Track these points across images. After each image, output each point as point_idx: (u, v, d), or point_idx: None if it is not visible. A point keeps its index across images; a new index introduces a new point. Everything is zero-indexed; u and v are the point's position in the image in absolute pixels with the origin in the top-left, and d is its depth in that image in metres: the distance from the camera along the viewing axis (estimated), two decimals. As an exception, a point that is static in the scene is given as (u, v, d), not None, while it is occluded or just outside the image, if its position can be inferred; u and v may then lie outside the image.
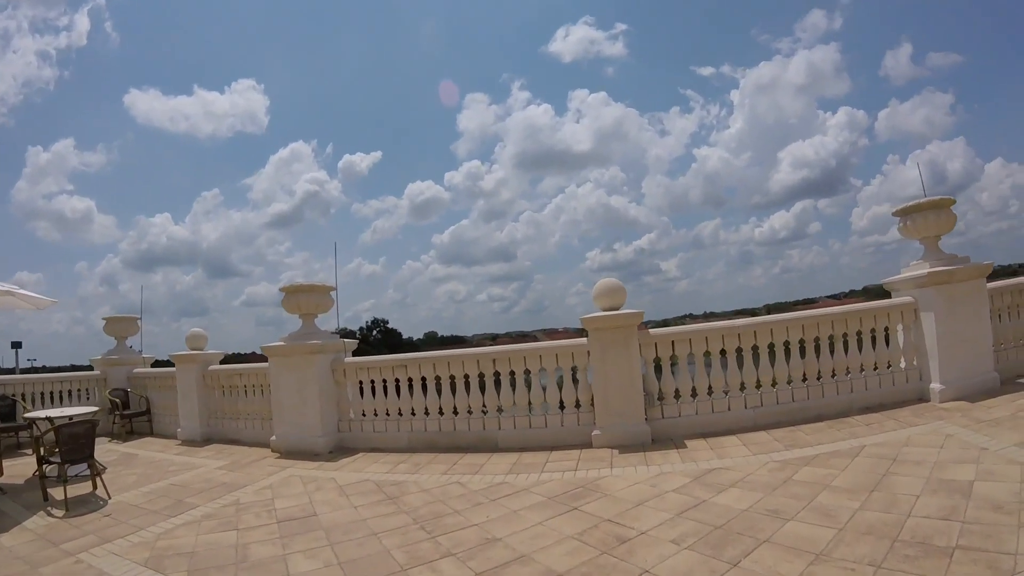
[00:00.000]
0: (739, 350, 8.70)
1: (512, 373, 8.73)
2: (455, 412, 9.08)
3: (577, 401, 8.58)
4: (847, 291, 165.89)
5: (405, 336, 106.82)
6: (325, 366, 9.92)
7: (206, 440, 12.10)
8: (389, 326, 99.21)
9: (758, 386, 8.65)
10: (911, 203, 9.08)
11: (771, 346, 8.75)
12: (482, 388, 8.87)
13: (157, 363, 15.10)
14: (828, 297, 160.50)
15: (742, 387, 8.66)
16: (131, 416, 13.86)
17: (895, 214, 9.40)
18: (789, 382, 8.60)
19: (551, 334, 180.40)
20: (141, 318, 15.16)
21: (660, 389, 8.51)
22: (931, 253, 9.23)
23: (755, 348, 8.76)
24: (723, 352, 8.64)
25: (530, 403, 8.69)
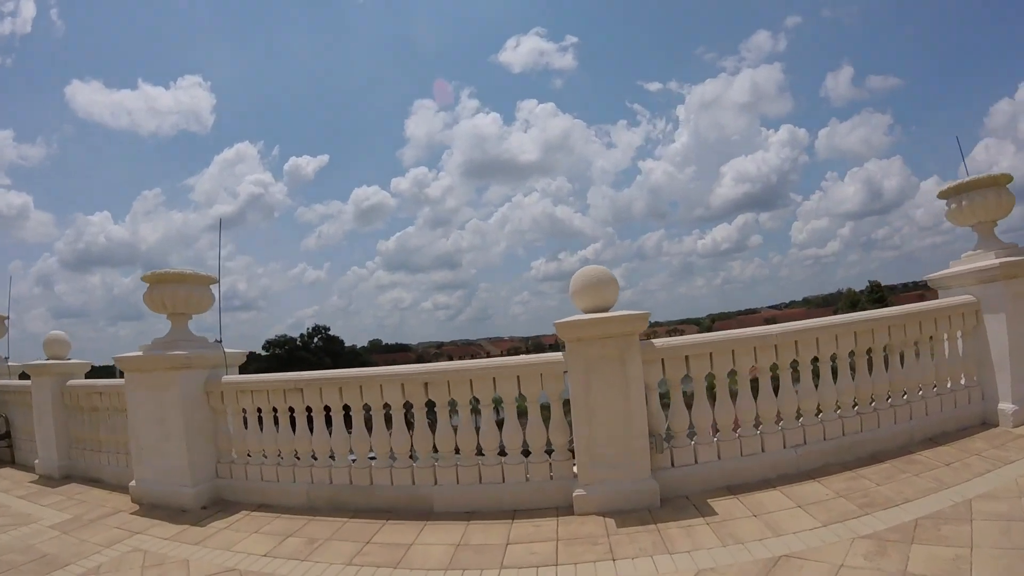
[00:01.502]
0: (774, 367, 6.03)
1: (453, 403, 5.51)
2: (371, 458, 5.90)
3: (549, 445, 5.46)
4: (787, 302, 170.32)
5: (348, 344, 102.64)
6: (195, 387, 6.87)
7: (65, 476, 8.99)
8: (331, 333, 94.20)
9: (798, 416, 6.04)
10: (965, 180, 6.75)
11: (815, 361, 6.18)
12: (409, 424, 5.70)
13: (94, 370, 11.41)
14: (769, 307, 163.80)
15: (778, 418, 6.01)
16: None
17: (942, 195, 7.11)
18: (837, 409, 6.07)
19: (497, 343, 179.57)
20: (9, 317, 11.65)
21: (668, 426, 5.58)
22: (989, 241, 6.89)
23: (795, 364, 6.13)
24: (753, 371, 5.95)
25: (480, 448, 5.66)
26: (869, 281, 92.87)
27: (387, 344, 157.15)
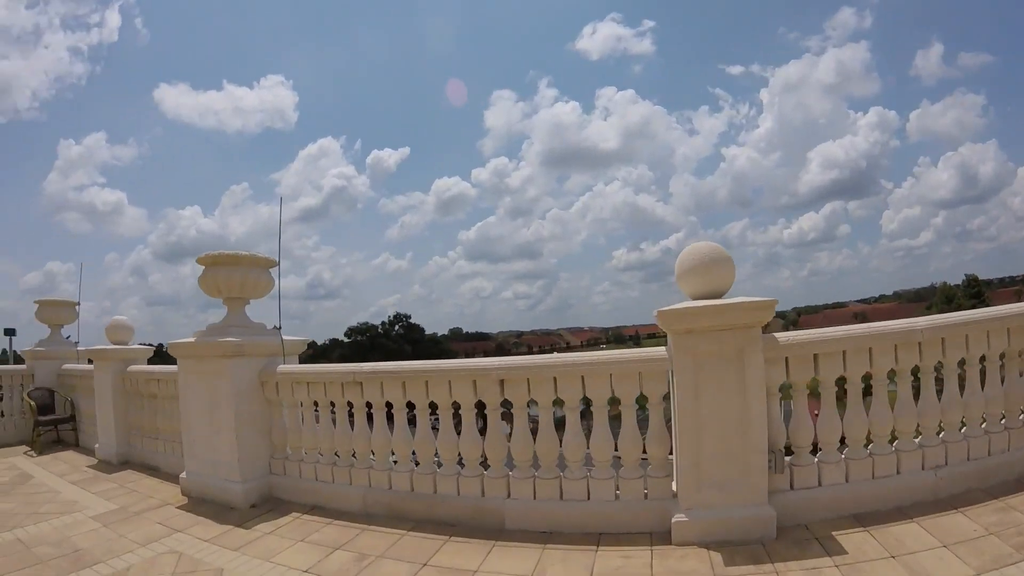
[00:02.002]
0: (915, 369, 4.85)
1: (533, 403, 4.57)
2: (438, 464, 5.00)
3: (644, 456, 4.41)
4: (877, 296, 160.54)
5: (429, 332, 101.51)
6: (248, 377, 6.16)
7: (123, 462, 8.56)
8: (412, 321, 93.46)
9: (938, 430, 4.84)
10: None
11: (961, 363, 4.95)
12: (483, 428, 4.78)
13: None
14: (857, 301, 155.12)
15: (917, 431, 4.80)
16: (55, 422, 10.31)
17: None
18: (983, 422, 4.88)
19: (577, 333, 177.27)
20: (80, 303, 11.25)
21: (788, 440, 4.56)
22: None
23: (939, 366, 4.91)
24: (892, 374, 4.77)
25: (563, 457, 4.67)
26: (965, 275, 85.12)
27: (467, 333, 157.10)
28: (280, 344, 6.32)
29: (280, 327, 6.56)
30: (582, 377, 4.54)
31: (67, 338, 11.37)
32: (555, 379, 4.60)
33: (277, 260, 6.67)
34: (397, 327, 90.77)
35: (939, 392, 4.89)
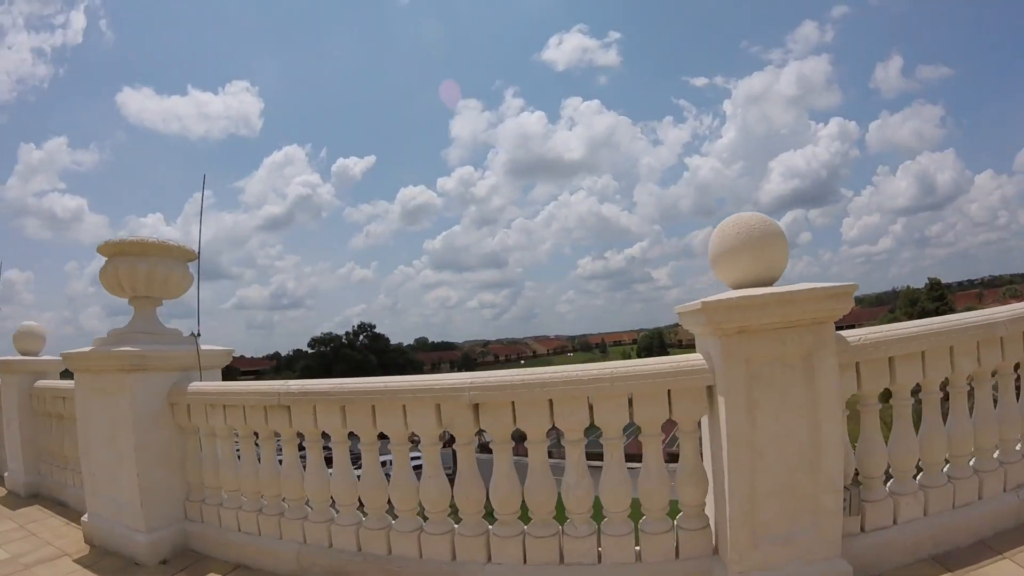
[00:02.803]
0: (995, 373, 3.76)
1: (521, 437, 3.17)
2: (393, 514, 3.55)
3: (674, 503, 3.06)
4: None
5: (394, 342, 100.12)
6: (153, 396, 4.75)
7: (32, 495, 6.94)
8: (377, 331, 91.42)
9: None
10: None
11: None
12: (452, 470, 3.38)
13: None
14: None
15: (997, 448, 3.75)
16: None
17: None
18: None
19: (543, 341, 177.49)
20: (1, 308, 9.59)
21: (857, 469, 3.35)
22: None
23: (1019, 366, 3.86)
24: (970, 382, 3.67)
25: (561, 507, 3.16)
26: (929, 278, 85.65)
27: (433, 342, 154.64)
28: (196, 355, 4.84)
29: (199, 334, 5.10)
30: (589, 399, 3.18)
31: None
32: (551, 401, 3.22)
33: (197, 252, 5.20)
34: (362, 337, 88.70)
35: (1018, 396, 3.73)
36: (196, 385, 4.62)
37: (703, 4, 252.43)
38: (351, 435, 3.80)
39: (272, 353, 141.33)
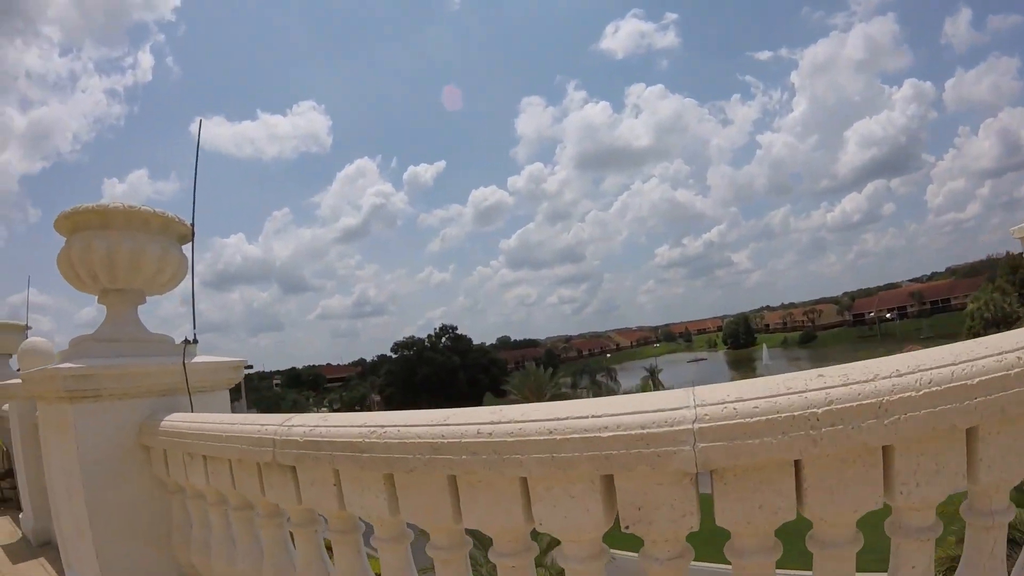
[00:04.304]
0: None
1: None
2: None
3: None
4: (929, 273, 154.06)
5: (477, 341, 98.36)
6: (110, 434, 3.16)
7: (43, 543, 5.66)
8: (459, 332, 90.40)
9: None
10: None
11: None
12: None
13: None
14: (910, 281, 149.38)
15: None
16: None
17: None
18: None
19: (625, 333, 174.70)
20: (30, 326, 8.44)
21: None
22: None
23: None
24: None
25: None
26: None
27: (515, 340, 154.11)
28: (182, 370, 3.24)
29: (195, 340, 3.53)
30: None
31: (16, 371, 8.66)
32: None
33: (191, 224, 3.65)
34: (444, 339, 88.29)
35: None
36: (173, 419, 3.00)
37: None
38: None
39: (357, 360, 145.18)
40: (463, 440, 1.61)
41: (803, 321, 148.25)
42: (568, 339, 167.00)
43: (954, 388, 1.29)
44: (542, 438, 1.49)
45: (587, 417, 1.47)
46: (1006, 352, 1.32)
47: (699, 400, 1.41)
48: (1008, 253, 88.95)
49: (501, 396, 57.94)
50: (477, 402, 78.42)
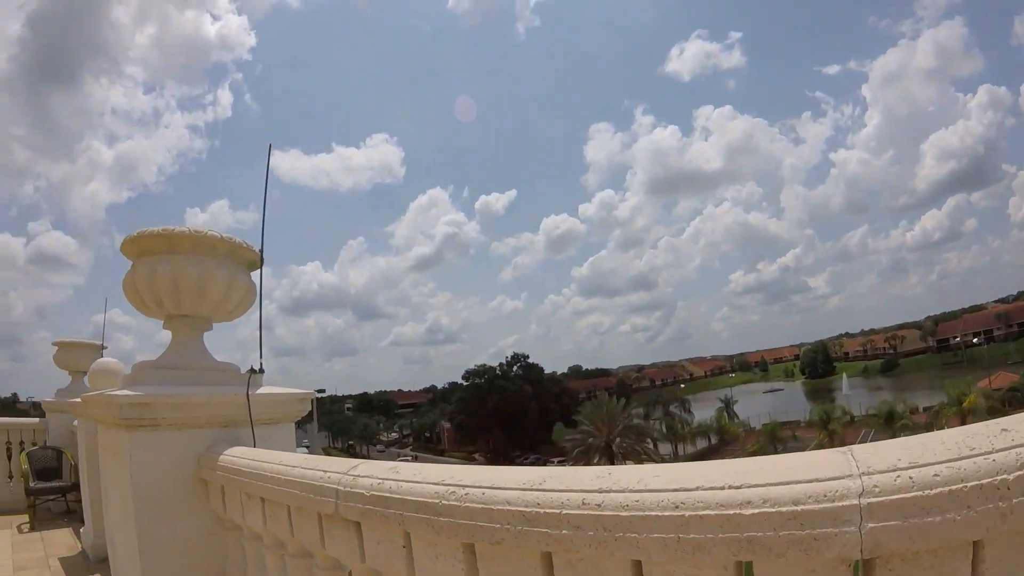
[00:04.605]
0: None
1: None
2: None
3: None
4: (1015, 293, 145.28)
5: (548, 370, 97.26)
6: (166, 466, 2.98)
7: (100, 558, 5.63)
8: (530, 360, 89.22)
9: None
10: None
11: None
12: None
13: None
14: (996, 302, 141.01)
15: None
16: (55, 491, 7.94)
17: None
18: None
19: (699, 363, 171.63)
20: (105, 346, 8.59)
21: None
22: None
23: None
24: None
25: None
26: None
27: (587, 369, 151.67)
28: (245, 401, 3.05)
29: (261, 369, 3.35)
30: None
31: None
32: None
33: (260, 251, 3.50)
34: (516, 367, 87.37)
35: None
36: (233, 454, 2.79)
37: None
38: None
39: (428, 386, 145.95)
40: (564, 512, 1.30)
41: (884, 348, 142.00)
42: (640, 368, 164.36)
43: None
44: (666, 514, 1.17)
45: (724, 488, 1.15)
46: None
47: (863, 466, 1.09)
48: None
49: (572, 426, 57.03)
50: (547, 431, 77.66)
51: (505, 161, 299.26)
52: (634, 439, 46.59)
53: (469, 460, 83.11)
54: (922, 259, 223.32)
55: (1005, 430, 1.07)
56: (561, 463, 60.83)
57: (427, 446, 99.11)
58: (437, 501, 1.55)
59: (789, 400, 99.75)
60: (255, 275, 3.65)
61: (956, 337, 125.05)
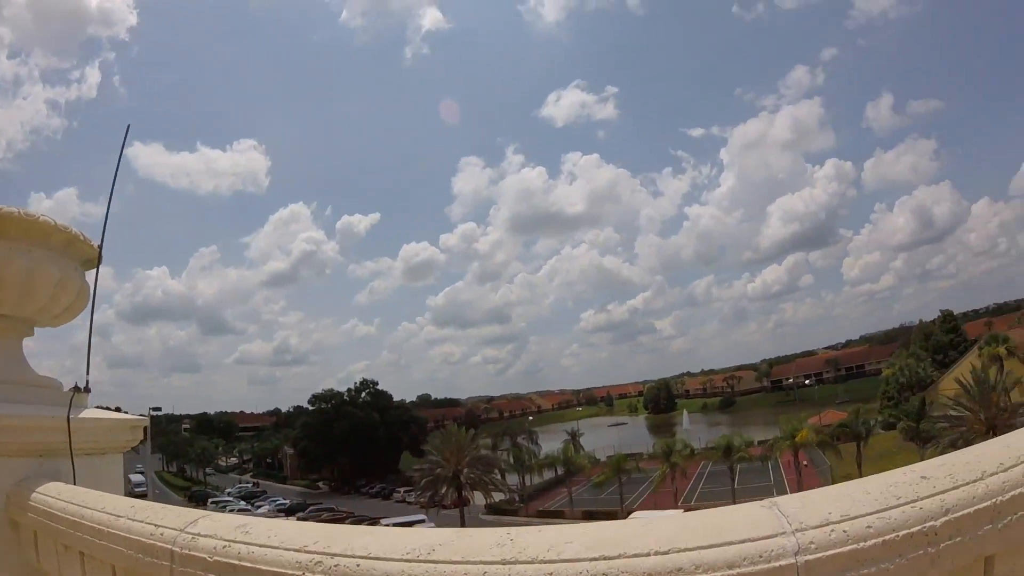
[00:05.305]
0: None
1: None
2: None
3: None
4: (844, 341, 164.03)
5: (397, 398, 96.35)
6: None
7: None
8: (380, 388, 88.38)
9: None
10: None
11: None
12: None
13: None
14: (826, 348, 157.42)
15: None
16: None
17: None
18: None
19: (547, 396, 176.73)
20: None
21: None
22: None
23: None
24: None
25: None
26: (941, 311, 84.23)
27: (436, 399, 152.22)
28: (65, 425, 2.54)
29: (87, 388, 2.84)
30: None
31: None
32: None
33: (99, 247, 3.01)
34: (364, 394, 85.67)
35: None
36: (48, 492, 2.27)
37: (697, 55, 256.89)
38: None
39: (273, 409, 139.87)
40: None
41: (723, 387, 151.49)
42: (490, 400, 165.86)
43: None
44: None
45: (649, 555, 1.03)
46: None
47: (795, 522, 1.05)
48: (921, 321, 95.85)
49: (420, 456, 56.11)
50: (395, 460, 75.86)
51: (373, 183, 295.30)
52: (482, 470, 46.42)
53: (313, 488, 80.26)
54: (761, 308, 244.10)
55: (925, 478, 1.10)
56: (408, 493, 59.69)
57: (269, 472, 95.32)
58: (300, 574, 1.25)
59: (633, 434, 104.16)
60: (90, 276, 3.14)
61: (789, 379, 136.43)
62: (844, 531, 1.03)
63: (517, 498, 56.86)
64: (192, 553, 1.47)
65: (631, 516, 40.34)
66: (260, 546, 1.36)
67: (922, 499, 1.06)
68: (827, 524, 1.04)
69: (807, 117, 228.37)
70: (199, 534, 1.51)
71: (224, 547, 1.41)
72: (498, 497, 52.49)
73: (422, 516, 45.03)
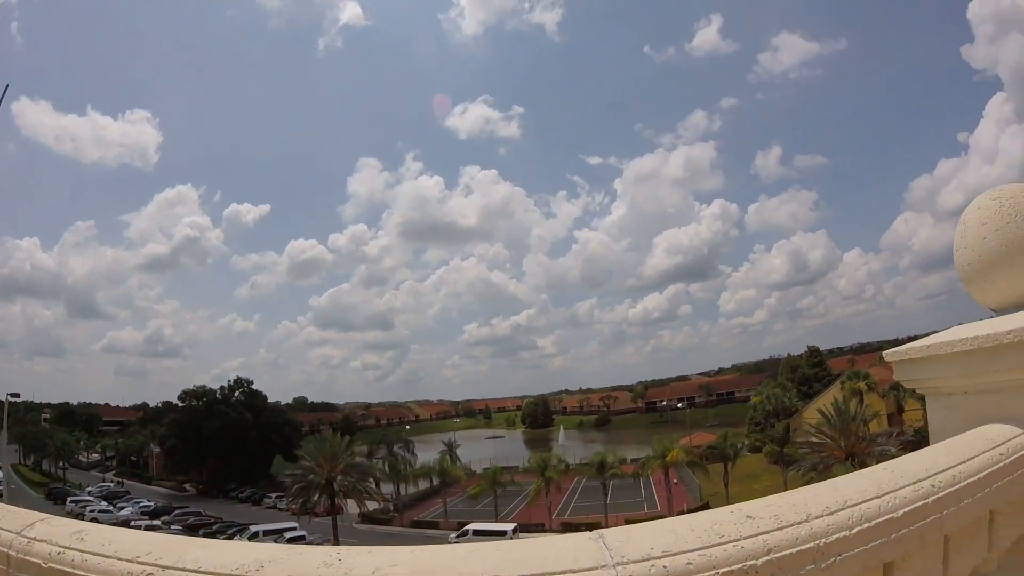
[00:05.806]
0: None
1: None
2: None
3: None
4: (717, 369, 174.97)
5: (272, 399, 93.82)
6: None
7: None
8: (254, 387, 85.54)
9: None
10: None
11: None
12: None
13: None
14: (700, 374, 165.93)
15: None
16: None
17: None
18: None
19: (426, 406, 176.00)
20: None
21: None
22: None
23: None
24: None
25: None
26: (808, 346, 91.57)
27: (313, 402, 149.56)
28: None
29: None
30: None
31: None
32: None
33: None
34: (237, 393, 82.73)
35: None
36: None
37: (605, 87, 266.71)
38: None
39: (140, 403, 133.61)
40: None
41: (599, 406, 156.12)
42: (368, 406, 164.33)
43: (883, 523, 1.31)
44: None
45: None
46: (920, 480, 1.44)
47: (617, 555, 1.11)
48: (789, 355, 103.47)
49: (293, 461, 54.52)
50: (267, 464, 73.07)
51: (267, 173, 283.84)
52: (356, 477, 45.58)
53: (180, 491, 76.77)
54: (640, 333, 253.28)
55: (750, 517, 1.19)
56: (279, 499, 57.66)
57: (134, 471, 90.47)
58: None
59: (510, 447, 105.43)
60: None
61: (663, 401, 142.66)
62: (664, 566, 1.08)
63: (392, 508, 56.45)
64: (27, 558, 1.45)
65: (464, 529, 40.72)
66: (94, 554, 1.35)
67: (745, 538, 1.15)
68: (648, 559, 1.09)
69: (700, 158, 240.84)
70: (35, 538, 1.48)
71: (59, 553, 1.39)
72: (372, 506, 51.99)
73: (294, 524, 44.01)
